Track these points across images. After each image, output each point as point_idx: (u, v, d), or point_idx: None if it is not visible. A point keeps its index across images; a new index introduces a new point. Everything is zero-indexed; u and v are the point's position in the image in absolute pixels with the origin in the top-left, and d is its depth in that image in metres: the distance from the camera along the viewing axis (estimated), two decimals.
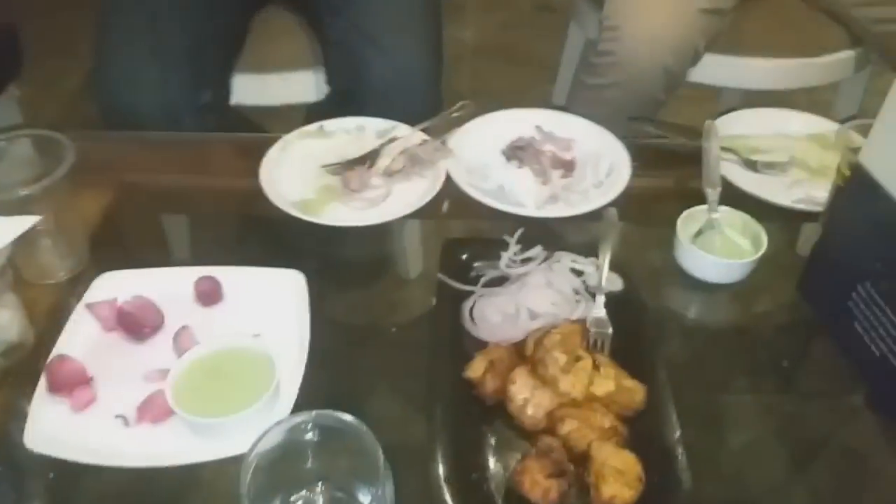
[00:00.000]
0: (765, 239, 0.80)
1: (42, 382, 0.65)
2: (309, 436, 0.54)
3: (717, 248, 0.82)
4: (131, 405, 0.64)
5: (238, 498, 0.49)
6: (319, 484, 0.57)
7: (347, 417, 0.53)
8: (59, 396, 0.64)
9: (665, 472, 0.60)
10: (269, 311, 0.73)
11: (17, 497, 0.59)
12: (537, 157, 0.94)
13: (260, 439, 0.52)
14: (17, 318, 0.67)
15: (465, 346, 0.72)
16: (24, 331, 0.68)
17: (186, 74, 1.06)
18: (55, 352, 0.67)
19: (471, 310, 0.75)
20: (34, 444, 0.60)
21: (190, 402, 0.61)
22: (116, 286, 0.73)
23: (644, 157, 0.96)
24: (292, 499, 0.56)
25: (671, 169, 1.00)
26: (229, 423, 0.60)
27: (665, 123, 1.07)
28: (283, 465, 0.54)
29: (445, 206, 0.85)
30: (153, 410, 0.63)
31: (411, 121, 0.98)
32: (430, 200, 0.87)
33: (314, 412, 0.53)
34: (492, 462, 0.62)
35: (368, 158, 0.93)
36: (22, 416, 0.62)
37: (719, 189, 0.86)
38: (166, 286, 0.74)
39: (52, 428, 0.62)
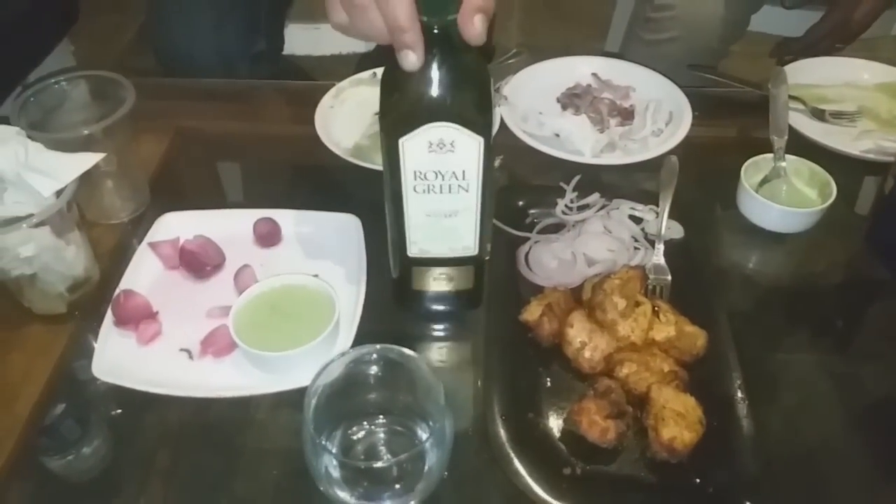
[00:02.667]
0: (833, 188, 0.77)
1: (108, 316, 0.66)
2: (370, 369, 0.55)
3: (783, 197, 0.79)
4: (194, 340, 0.66)
5: (303, 423, 0.50)
6: (380, 417, 0.57)
7: (409, 352, 0.53)
8: (126, 330, 0.66)
9: (725, 417, 0.59)
10: (326, 254, 0.73)
11: (84, 432, 0.61)
12: (594, 105, 0.92)
13: (323, 370, 0.53)
14: (83, 254, 0.69)
15: (521, 291, 0.71)
16: (90, 266, 0.70)
17: (241, 22, 1.06)
18: (121, 287, 0.68)
19: (526, 255, 0.74)
20: (102, 374, 0.62)
21: (252, 336, 0.62)
22: (178, 226, 0.74)
23: (706, 105, 0.93)
24: (353, 429, 0.57)
25: (734, 118, 0.96)
26: (290, 358, 0.61)
27: (727, 74, 1.03)
28: (344, 397, 0.55)
29: (498, 161, 0.83)
30: (216, 344, 0.65)
31: None
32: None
33: (377, 345, 0.53)
34: (549, 402, 0.62)
35: None
36: (88, 352, 0.64)
37: (786, 137, 0.83)
38: (226, 227, 0.75)
39: (118, 359, 0.64)
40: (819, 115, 0.94)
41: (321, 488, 0.51)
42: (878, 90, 0.99)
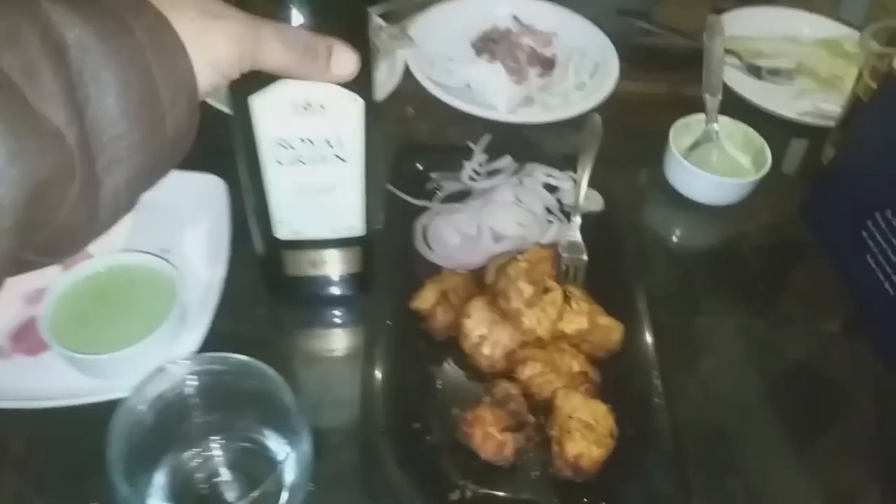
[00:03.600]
0: (768, 156, 0.69)
1: None
2: (197, 384, 0.43)
3: (714, 164, 0.71)
4: (4, 332, 0.53)
5: (108, 461, 0.39)
6: (217, 438, 0.46)
7: (243, 359, 0.42)
8: None
9: (641, 426, 0.51)
10: (181, 224, 0.61)
11: None
12: (512, 52, 0.81)
13: (142, 387, 0.42)
14: None
15: (416, 271, 0.61)
16: None
17: None
18: None
19: (425, 230, 0.63)
20: None
21: (70, 331, 0.50)
22: None
23: (635, 57, 0.83)
24: (186, 455, 0.46)
25: (665, 72, 0.87)
26: (114, 361, 0.49)
27: (659, 22, 0.94)
28: (169, 416, 0.43)
29: (410, 110, 0.72)
30: (29, 339, 0.52)
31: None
32: (384, 98, 0.74)
33: (203, 355, 0.42)
34: (439, 410, 0.52)
35: None
36: None
37: (720, 96, 0.74)
38: None
39: None
40: (755, 71, 0.87)
41: None
42: (819, 46, 0.91)
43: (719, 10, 0.88)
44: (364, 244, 0.55)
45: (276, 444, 0.46)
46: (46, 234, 0.26)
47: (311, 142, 0.46)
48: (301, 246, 0.54)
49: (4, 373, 0.51)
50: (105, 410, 0.47)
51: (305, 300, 0.59)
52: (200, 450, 0.46)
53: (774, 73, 0.87)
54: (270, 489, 0.40)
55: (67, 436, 0.49)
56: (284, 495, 0.43)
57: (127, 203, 0.29)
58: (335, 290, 0.59)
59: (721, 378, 0.59)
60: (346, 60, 0.38)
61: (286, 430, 0.44)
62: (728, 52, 0.84)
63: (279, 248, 0.54)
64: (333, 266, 0.56)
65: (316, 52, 0.36)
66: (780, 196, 0.72)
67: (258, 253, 0.56)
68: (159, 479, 0.44)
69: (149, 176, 0.30)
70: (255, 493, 0.39)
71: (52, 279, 0.53)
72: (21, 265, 0.26)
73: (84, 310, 0.51)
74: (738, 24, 0.89)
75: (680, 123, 0.72)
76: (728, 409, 0.56)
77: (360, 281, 0.58)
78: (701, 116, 0.73)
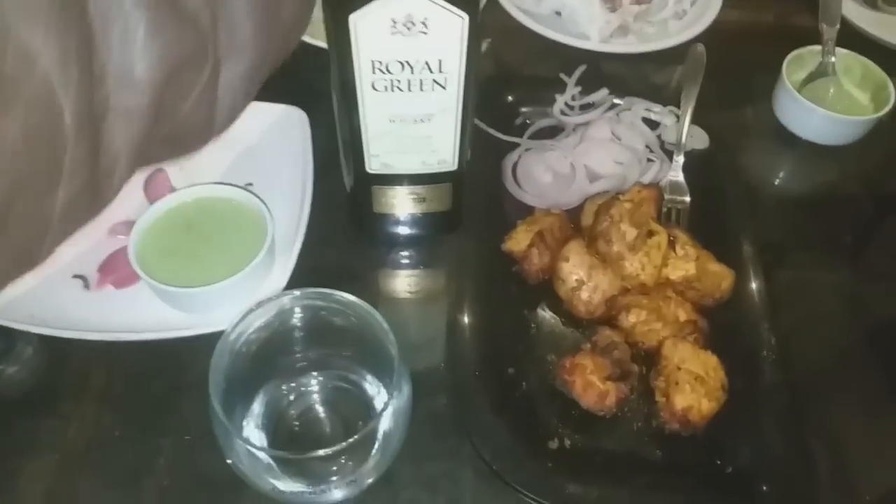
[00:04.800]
0: (892, 92, 0.63)
1: None
2: (300, 318, 0.42)
3: (830, 101, 0.65)
4: (91, 264, 0.52)
5: (211, 393, 0.38)
6: (314, 374, 0.45)
7: (350, 298, 0.40)
8: None
9: (753, 379, 0.47)
10: (263, 157, 0.59)
11: None
12: None
13: (241, 320, 0.40)
14: None
15: (506, 212, 0.58)
16: None
17: None
18: None
19: (514, 167, 0.60)
20: None
21: (159, 264, 0.49)
22: None
23: None
24: (283, 389, 0.44)
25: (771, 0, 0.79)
26: (205, 295, 0.48)
27: None
28: (269, 351, 0.42)
29: (485, 45, 0.67)
30: (118, 271, 0.51)
31: None
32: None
33: (308, 291, 0.40)
34: (534, 355, 0.50)
35: None
36: None
37: (838, 26, 0.67)
38: None
39: None
40: (871, 2, 0.78)
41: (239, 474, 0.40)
42: None
43: None
44: (455, 180, 0.52)
45: (373, 388, 0.44)
46: (169, 125, 0.25)
47: (409, 65, 0.43)
48: (391, 181, 0.51)
49: (91, 304, 0.51)
50: (184, 349, 0.47)
51: (391, 239, 0.57)
52: (297, 385, 0.44)
53: (891, 3, 0.79)
54: (366, 437, 0.39)
55: (148, 370, 0.49)
56: (379, 442, 0.42)
57: (243, 99, 0.28)
58: (422, 229, 0.56)
59: (827, 332, 0.54)
60: None
61: (384, 376, 0.42)
62: None
63: (368, 184, 0.51)
64: (422, 203, 0.54)
65: None
66: None
67: (347, 188, 0.53)
68: (256, 408, 0.44)
69: (261, 68, 0.28)
70: (351, 440, 0.37)
71: (139, 211, 0.52)
72: (144, 156, 0.25)
73: (172, 242, 0.50)
74: None
75: (793, 55, 0.66)
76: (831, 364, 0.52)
77: (447, 220, 0.56)
78: (816, 48, 0.67)
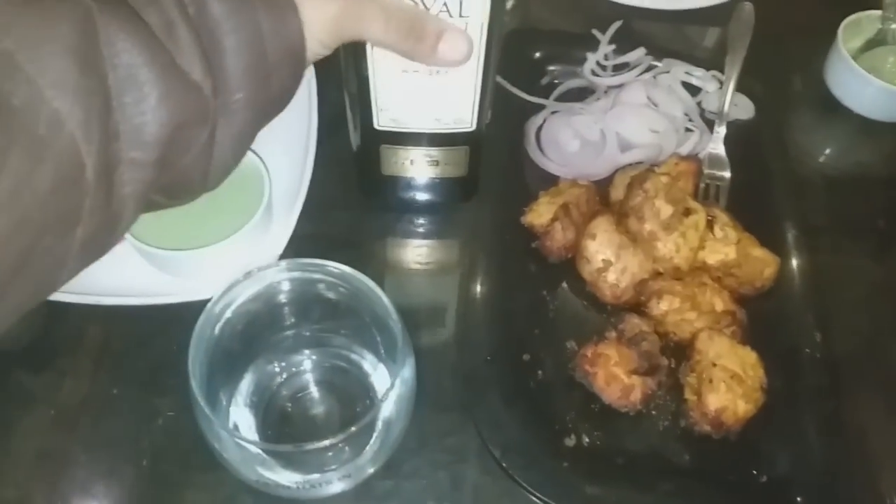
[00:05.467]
0: None
1: None
2: (292, 291, 0.37)
3: (887, 72, 0.59)
4: None
5: (188, 374, 0.34)
6: (308, 352, 0.41)
7: (347, 270, 0.36)
8: None
9: (795, 379, 0.43)
10: None
11: None
12: None
13: (226, 291, 0.36)
14: None
15: (528, 181, 0.53)
16: None
17: None
18: None
19: (538, 132, 0.55)
20: None
21: (147, 225, 0.44)
22: None
23: None
24: (275, 367, 0.40)
25: None
26: (196, 259, 0.43)
27: None
28: (259, 325, 0.38)
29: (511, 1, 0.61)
30: None
31: None
32: None
33: (302, 261, 0.36)
34: (553, 341, 0.45)
35: None
36: None
37: None
38: None
39: None
40: None
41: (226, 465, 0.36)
42: None
43: None
44: (472, 142, 0.47)
45: (372, 368, 0.40)
46: (170, 177, 0.29)
47: (424, 4, 0.37)
48: (401, 140, 0.46)
49: None
50: (185, 309, 0.43)
51: (401, 205, 0.52)
52: (289, 364, 0.41)
53: None
54: (367, 424, 0.35)
55: (145, 332, 0.46)
56: (378, 431, 0.38)
57: (232, 159, 0.31)
58: (434, 196, 0.51)
59: (877, 327, 0.49)
60: (455, 47, 0.35)
61: (386, 356, 0.38)
62: None
63: (377, 142, 0.46)
64: (435, 167, 0.49)
65: (422, 32, 0.34)
66: None
67: (354, 147, 0.48)
68: (245, 386, 0.40)
69: (251, 131, 0.31)
70: (352, 430, 0.33)
71: None
72: (148, 203, 0.29)
73: None
74: None
75: (850, 20, 0.60)
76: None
77: (463, 186, 0.51)
78: (876, 13, 0.61)
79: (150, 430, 0.42)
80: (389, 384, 0.35)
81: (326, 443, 0.33)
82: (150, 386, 0.44)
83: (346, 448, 0.36)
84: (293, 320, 0.40)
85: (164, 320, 0.45)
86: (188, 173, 0.30)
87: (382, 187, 0.51)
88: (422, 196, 0.51)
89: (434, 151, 0.47)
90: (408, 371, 0.37)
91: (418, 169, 0.49)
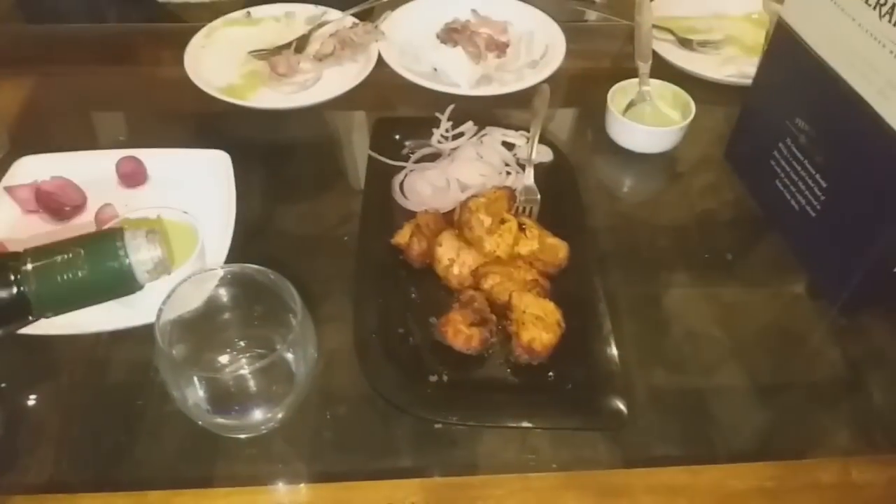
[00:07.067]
0: (693, 107, 0.81)
1: None
2: (222, 291, 0.54)
3: (647, 119, 0.83)
4: None
5: (158, 352, 0.50)
6: (240, 343, 0.57)
7: (259, 268, 0.53)
8: None
9: (585, 319, 0.62)
10: (195, 192, 0.72)
11: None
12: (472, 40, 0.93)
13: (171, 294, 0.52)
14: None
15: (396, 217, 0.72)
16: None
17: None
18: None
19: (401, 184, 0.75)
20: None
21: None
22: (36, 169, 0.71)
23: (579, 37, 0.95)
24: (215, 359, 0.56)
25: (606, 49, 0.99)
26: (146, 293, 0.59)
27: (603, 5, 1.06)
28: (199, 324, 0.54)
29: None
30: None
31: (342, 6, 0.96)
32: (362, 82, 0.86)
33: (227, 265, 0.53)
34: (418, 318, 0.63)
35: (297, 43, 0.91)
36: None
37: (650, 62, 0.86)
38: (89, 169, 0.72)
39: None
40: (687, 44, 0.98)
41: (187, 413, 0.51)
42: (745, 20, 1.04)
43: None
44: None
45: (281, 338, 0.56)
46: None
47: None
48: None
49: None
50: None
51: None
52: (229, 353, 0.57)
53: (704, 45, 0.98)
54: (275, 363, 0.50)
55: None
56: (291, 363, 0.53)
57: None
58: None
59: (644, 277, 0.69)
60: None
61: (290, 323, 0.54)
62: (663, 29, 0.96)
63: None
64: None
65: None
66: (707, 145, 0.83)
67: None
68: (197, 381, 0.55)
69: None
70: (264, 362, 0.50)
71: None
72: None
73: None
74: (672, 6, 1.02)
75: (617, 87, 0.84)
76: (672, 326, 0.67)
77: None
78: (635, 80, 0.85)
79: None
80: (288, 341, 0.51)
81: (244, 371, 0.50)
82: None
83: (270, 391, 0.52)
84: (226, 317, 0.56)
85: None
86: None
87: None
88: None
89: None
90: (307, 324, 0.52)
91: None
